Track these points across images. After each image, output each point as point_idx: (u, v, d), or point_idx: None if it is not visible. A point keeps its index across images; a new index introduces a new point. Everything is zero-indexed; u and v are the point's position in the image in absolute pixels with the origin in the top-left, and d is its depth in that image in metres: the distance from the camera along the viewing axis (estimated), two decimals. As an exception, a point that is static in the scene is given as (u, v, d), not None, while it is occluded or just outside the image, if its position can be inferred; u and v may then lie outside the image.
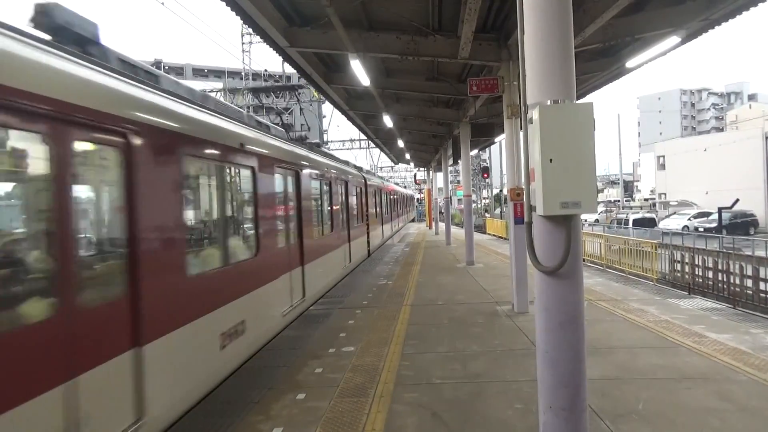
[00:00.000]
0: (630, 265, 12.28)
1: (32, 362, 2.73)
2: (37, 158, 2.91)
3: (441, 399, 4.66)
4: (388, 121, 15.33)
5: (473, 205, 20.84)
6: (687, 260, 11.46)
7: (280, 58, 9.69)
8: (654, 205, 44.57)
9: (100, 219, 3.69)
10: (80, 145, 3.23)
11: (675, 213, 37.16)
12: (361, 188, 15.35)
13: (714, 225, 29.23)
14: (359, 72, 9.32)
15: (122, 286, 3.56)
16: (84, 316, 3.13)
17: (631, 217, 31.64)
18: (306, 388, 5.07)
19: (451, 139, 18.66)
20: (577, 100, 3.26)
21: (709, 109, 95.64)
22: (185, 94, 5.20)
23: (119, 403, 3.42)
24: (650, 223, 30.26)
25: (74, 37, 3.75)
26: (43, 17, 3.57)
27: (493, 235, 26.38)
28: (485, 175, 45.49)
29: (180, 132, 4.42)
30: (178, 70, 63.05)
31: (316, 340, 6.79)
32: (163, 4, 17.69)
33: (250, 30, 8.78)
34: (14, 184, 3.05)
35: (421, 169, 40.68)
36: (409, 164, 41.81)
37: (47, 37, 3.43)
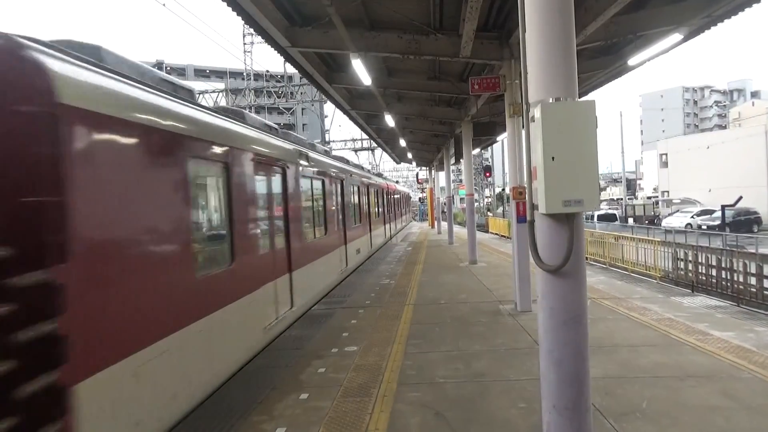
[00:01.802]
0: (633, 263, 12.27)
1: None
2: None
3: (444, 398, 4.66)
4: (389, 120, 15.32)
5: (475, 204, 20.76)
6: (690, 258, 11.42)
7: (282, 59, 9.69)
8: (657, 203, 44.58)
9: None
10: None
11: (678, 211, 37.14)
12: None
13: (717, 223, 29.19)
14: (361, 71, 9.32)
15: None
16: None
17: (596, 213, 35.68)
18: (309, 387, 5.08)
19: (453, 138, 18.61)
20: (579, 98, 3.25)
21: (711, 106, 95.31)
22: None
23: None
24: (612, 218, 35.99)
25: None
26: None
27: (496, 234, 26.37)
28: (487, 174, 45.47)
29: None
30: (180, 71, 63.20)
31: (318, 340, 6.80)
32: (164, 5, 17.73)
33: (252, 30, 8.77)
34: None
35: (423, 168, 40.64)
36: (411, 163, 41.75)
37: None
